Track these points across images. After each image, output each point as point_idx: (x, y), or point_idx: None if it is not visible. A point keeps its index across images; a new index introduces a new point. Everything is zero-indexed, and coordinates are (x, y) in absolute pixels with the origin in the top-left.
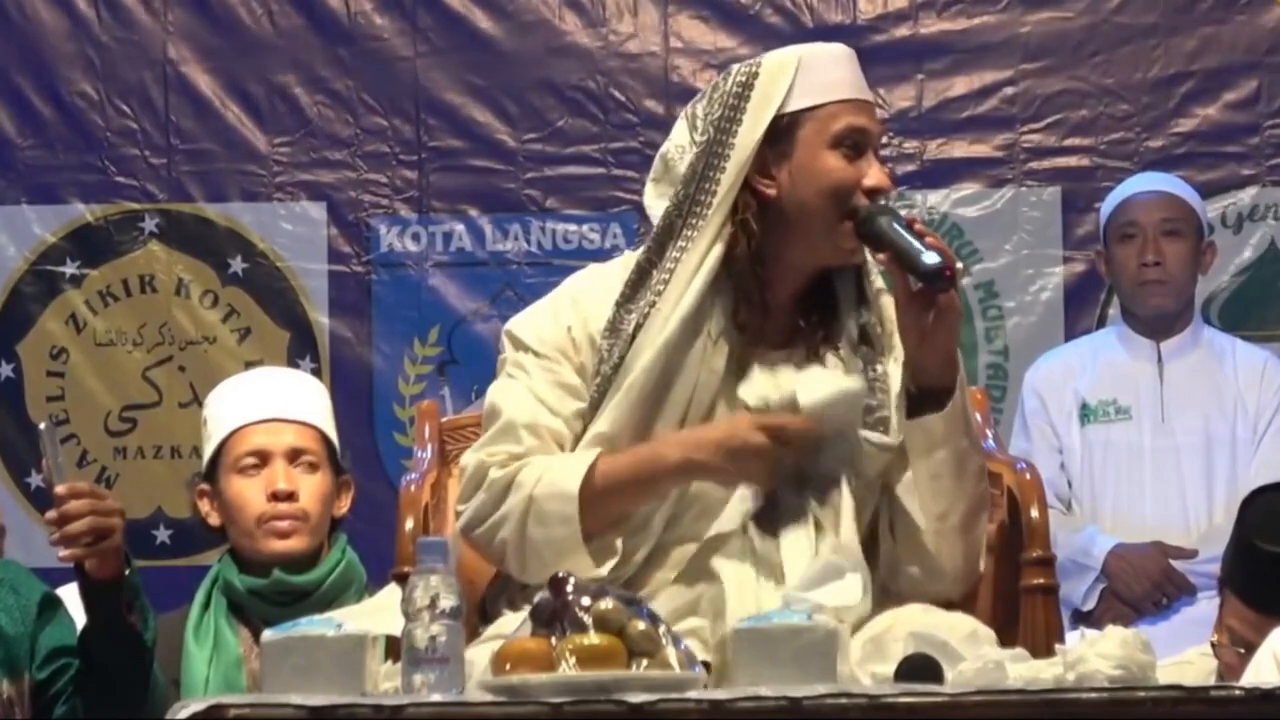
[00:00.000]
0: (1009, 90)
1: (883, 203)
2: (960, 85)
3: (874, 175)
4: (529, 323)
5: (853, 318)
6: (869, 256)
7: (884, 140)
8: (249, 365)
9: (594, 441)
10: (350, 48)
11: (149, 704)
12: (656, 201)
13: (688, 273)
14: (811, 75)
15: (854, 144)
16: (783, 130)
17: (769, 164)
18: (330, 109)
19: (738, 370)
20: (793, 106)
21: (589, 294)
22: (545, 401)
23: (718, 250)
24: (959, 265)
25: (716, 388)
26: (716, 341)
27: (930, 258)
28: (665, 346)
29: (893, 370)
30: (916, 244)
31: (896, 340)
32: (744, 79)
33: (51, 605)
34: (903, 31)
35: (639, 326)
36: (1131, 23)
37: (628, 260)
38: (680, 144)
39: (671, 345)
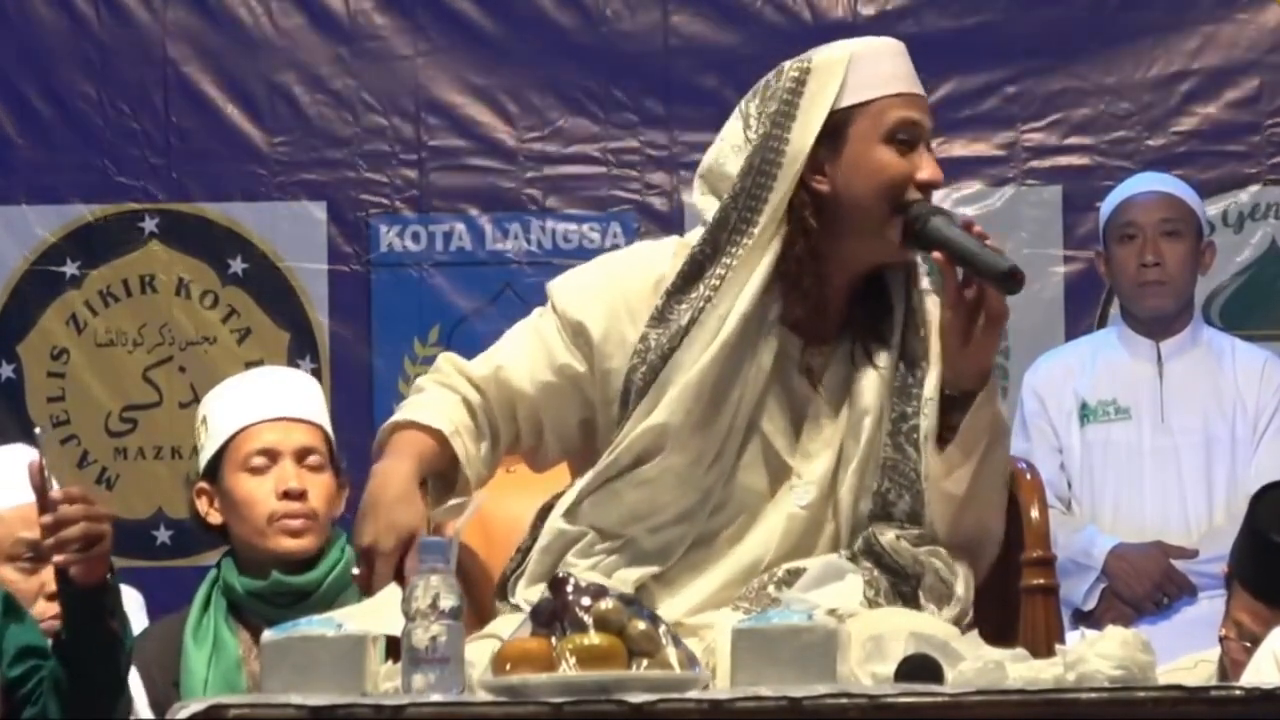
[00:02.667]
0: (1010, 89)
1: (933, 202)
2: (961, 83)
3: (927, 169)
4: (567, 287)
5: (901, 315)
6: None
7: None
8: (249, 365)
9: (650, 433)
10: (350, 47)
11: (120, 709)
12: (703, 197)
13: (746, 270)
14: (863, 70)
15: (906, 138)
16: (836, 126)
17: (822, 160)
18: (330, 108)
19: (785, 365)
20: (845, 102)
21: (636, 270)
22: (530, 360)
23: (775, 247)
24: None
25: (764, 385)
26: (766, 338)
27: (1005, 261)
28: (724, 346)
29: (929, 379)
30: (985, 247)
31: (932, 343)
32: (797, 75)
33: (14, 605)
34: (903, 29)
35: (693, 321)
36: (1133, 21)
37: (680, 246)
38: (735, 143)
39: (730, 345)
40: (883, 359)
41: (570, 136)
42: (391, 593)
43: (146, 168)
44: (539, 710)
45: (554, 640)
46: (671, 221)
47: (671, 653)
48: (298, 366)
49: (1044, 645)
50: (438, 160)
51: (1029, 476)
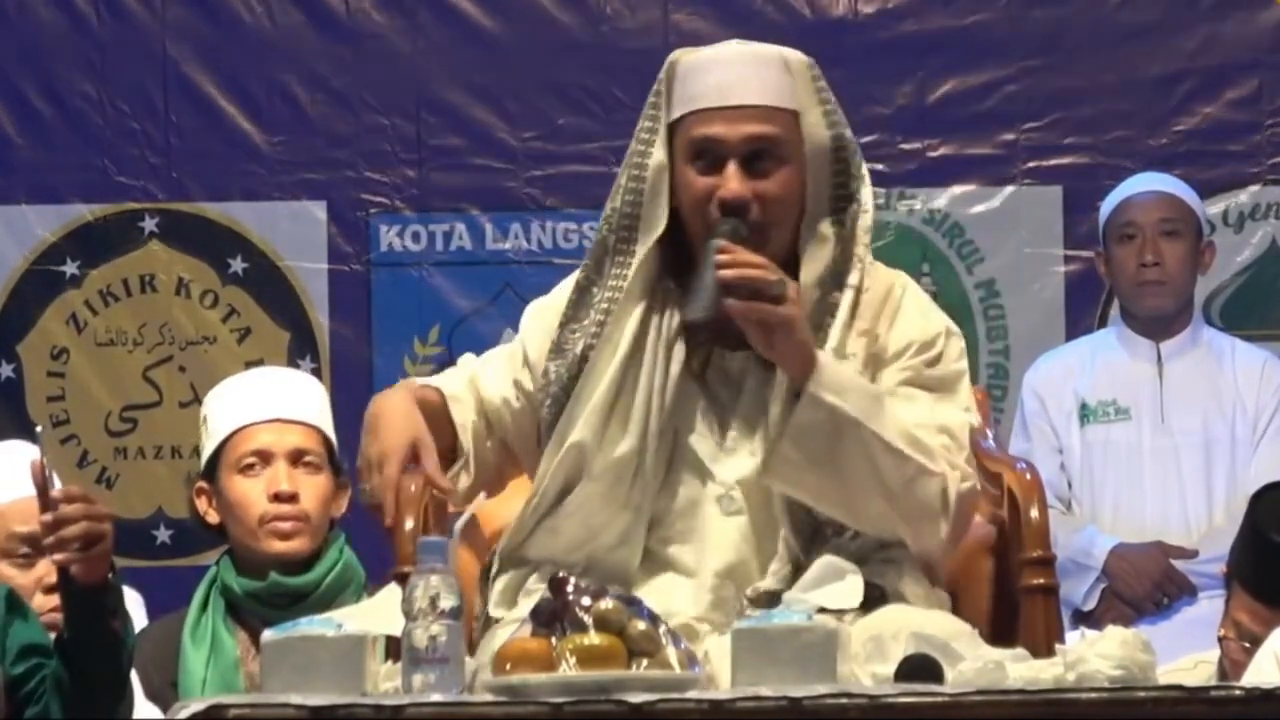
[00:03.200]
0: (1010, 88)
1: (738, 220)
2: (961, 83)
3: (726, 187)
4: (530, 310)
5: (814, 307)
6: (857, 240)
7: (836, 145)
8: (249, 365)
9: (568, 456)
10: (350, 45)
11: (121, 708)
12: None
13: (634, 290)
14: (681, 84)
15: (705, 154)
16: (670, 142)
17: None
18: (330, 107)
19: (698, 372)
20: (672, 117)
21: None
22: (495, 376)
23: (655, 263)
24: (773, 302)
25: (675, 395)
26: (672, 346)
27: (692, 310)
28: (622, 366)
29: (851, 344)
30: (704, 287)
31: (831, 339)
32: (657, 87)
33: (18, 602)
34: (904, 28)
35: (589, 348)
36: (1133, 20)
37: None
38: None
39: (626, 363)
40: None
41: (570, 136)
42: (391, 593)
43: (146, 167)
44: (539, 710)
45: (554, 640)
46: None
47: (671, 653)
48: (298, 366)
49: (1044, 645)
50: (438, 159)
51: (1029, 477)
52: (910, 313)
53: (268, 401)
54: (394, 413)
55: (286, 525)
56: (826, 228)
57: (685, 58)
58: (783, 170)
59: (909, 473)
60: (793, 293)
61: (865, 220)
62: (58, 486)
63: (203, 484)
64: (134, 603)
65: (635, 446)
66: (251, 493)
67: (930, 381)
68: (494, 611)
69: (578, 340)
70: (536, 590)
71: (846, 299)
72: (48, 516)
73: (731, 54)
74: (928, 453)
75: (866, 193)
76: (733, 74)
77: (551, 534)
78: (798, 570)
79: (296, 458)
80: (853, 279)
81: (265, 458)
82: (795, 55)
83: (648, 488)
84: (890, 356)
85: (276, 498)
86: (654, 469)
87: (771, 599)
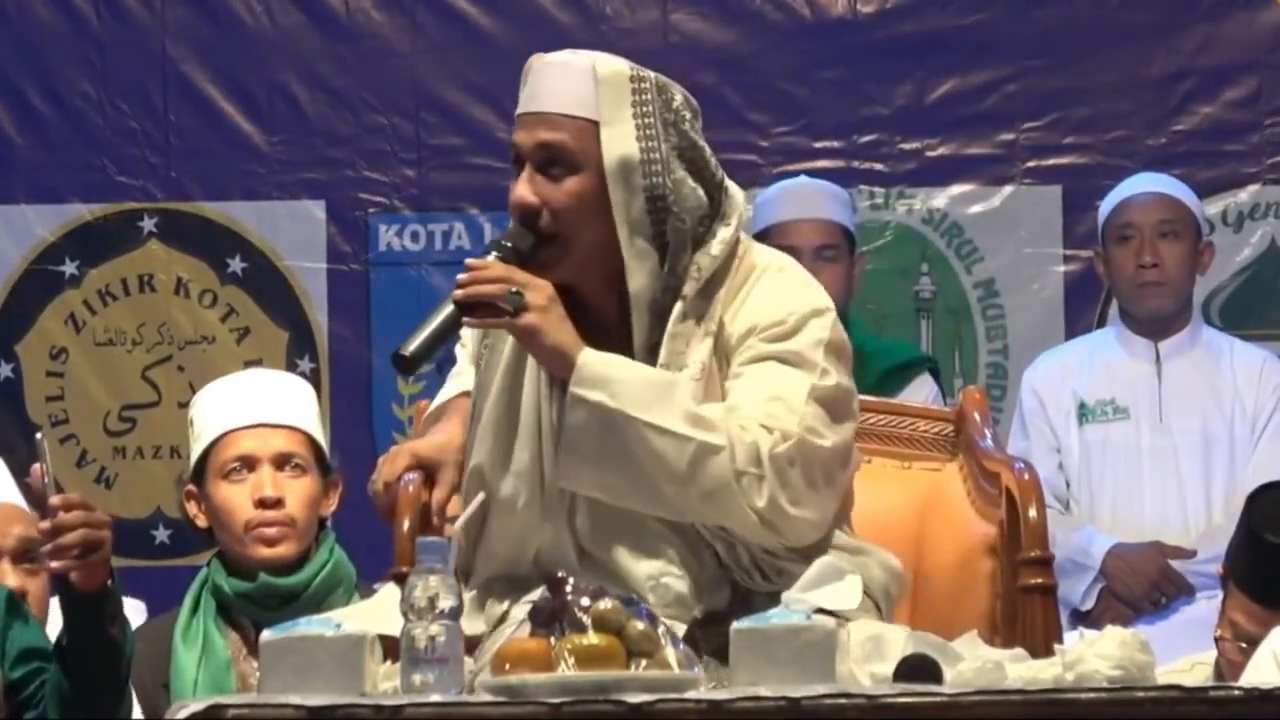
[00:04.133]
0: (1010, 88)
1: (524, 226)
2: (961, 82)
3: (514, 191)
4: None
5: (644, 332)
6: (706, 250)
7: (644, 159)
8: (248, 365)
9: (472, 473)
10: (349, 45)
11: (120, 713)
12: None
13: None
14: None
15: (517, 161)
16: None
17: None
18: (329, 107)
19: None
20: None
21: None
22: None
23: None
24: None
25: (559, 403)
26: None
27: (404, 344)
28: (504, 379)
29: (695, 350)
30: (437, 310)
31: (664, 355)
32: None
33: (16, 605)
34: (904, 28)
35: (486, 361)
36: (1132, 20)
37: None
38: None
39: (509, 373)
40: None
41: None
42: (390, 593)
43: (146, 167)
44: (538, 710)
45: (553, 640)
46: None
47: (670, 653)
48: (297, 366)
49: (1043, 645)
50: (437, 159)
51: (1027, 476)
52: (759, 298)
53: (252, 406)
54: (433, 432)
55: (272, 531)
56: (644, 244)
57: (529, 65)
58: (573, 179)
59: (690, 452)
60: (541, 299)
61: (723, 233)
62: (57, 494)
63: (191, 488)
64: (135, 610)
65: (533, 453)
66: (236, 499)
67: (784, 356)
68: (470, 630)
69: (485, 354)
70: (500, 606)
71: (675, 312)
72: (46, 524)
73: (548, 61)
74: (711, 427)
75: (732, 203)
76: (540, 82)
77: (489, 558)
78: (734, 587)
79: (282, 461)
80: (687, 289)
81: (249, 463)
82: (612, 67)
83: (554, 497)
84: (735, 343)
85: (261, 504)
86: (555, 478)
87: (720, 618)
